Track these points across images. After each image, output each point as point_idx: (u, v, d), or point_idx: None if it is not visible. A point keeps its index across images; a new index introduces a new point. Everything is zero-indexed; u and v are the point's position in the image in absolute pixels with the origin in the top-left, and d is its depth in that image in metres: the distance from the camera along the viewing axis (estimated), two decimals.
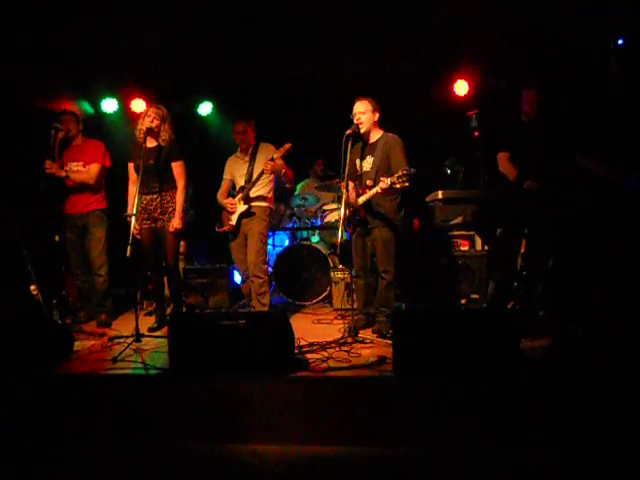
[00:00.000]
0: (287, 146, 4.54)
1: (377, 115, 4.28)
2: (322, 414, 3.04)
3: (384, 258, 4.23)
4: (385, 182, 3.87)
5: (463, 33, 5.23)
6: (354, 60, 5.94)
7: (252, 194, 4.73)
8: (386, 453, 2.90)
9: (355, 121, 4.21)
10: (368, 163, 4.28)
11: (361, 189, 4.26)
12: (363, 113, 4.22)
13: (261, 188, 4.76)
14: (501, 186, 4.30)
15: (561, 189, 3.94)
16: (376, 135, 4.31)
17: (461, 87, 6.13)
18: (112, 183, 5.05)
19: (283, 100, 6.60)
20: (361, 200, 4.18)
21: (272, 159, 4.54)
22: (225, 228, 4.85)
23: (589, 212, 3.86)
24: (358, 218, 4.29)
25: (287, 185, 5.24)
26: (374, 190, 4.03)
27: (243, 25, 5.25)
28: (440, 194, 4.02)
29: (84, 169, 4.84)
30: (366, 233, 4.33)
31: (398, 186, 3.81)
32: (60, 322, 4.44)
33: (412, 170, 3.79)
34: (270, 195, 4.85)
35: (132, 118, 5.92)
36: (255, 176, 4.72)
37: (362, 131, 4.23)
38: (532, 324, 3.91)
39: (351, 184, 4.42)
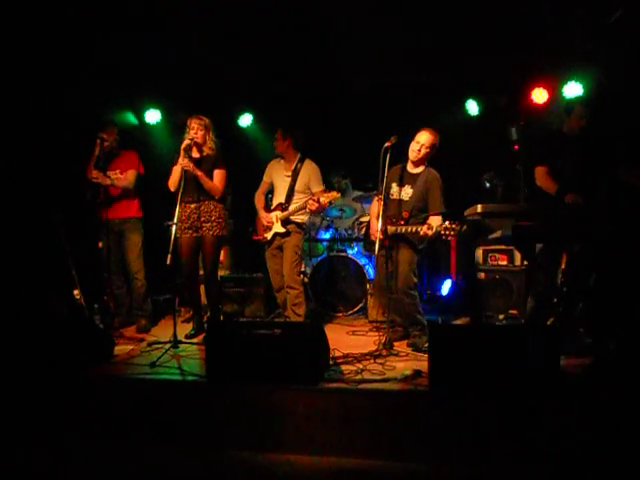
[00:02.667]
0: (336, 195, 4.51)
1: (433, 153, 4.25)
2: (356, 426, 3.03)
3: (405, 279, 4.20)
4: (431, 229, 3.90)
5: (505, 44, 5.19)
6: (391, 74, 5.96)
7: (292, 218, 4.75)
8: (419, 469, 2.87)
9: (412, 148, 4.21)
10: (407, 193, 4.28)
11: (396, 218, 4.26)
12: (426, 147, 4.18)
13: (299, 213, 4.78)
14: (541, 200, 4.24)
15: (603, 204, 3.86)
16: (419, 167, 4.30)
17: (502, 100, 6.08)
18: (152, 192, 5.16)
19: (320, 114, 6.65)
20: (394, 230, 4.19)
21: (318, 200, 4.51)
22: (259, 238, 4.90)
23: (632, 228, 3.76)
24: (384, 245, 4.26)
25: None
26: (412, 229, 4.07)
27: (284, 40, 5.32)
28: (479, 208, 3.99)
29: (122, 176, 4.96)
30: (388, 253, 4.26)
31: (443, 236, 3.85)
32: (101, 326, 4.56)
33: (465, 227, 3.82)
34: (306, 215, 4.87)
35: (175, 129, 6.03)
36: (296, 196, 4.75)
37: (411, 158, 4.24)
38: (572, 341, 3.82)
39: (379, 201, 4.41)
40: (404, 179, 4.32)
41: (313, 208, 4.57)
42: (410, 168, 4.33)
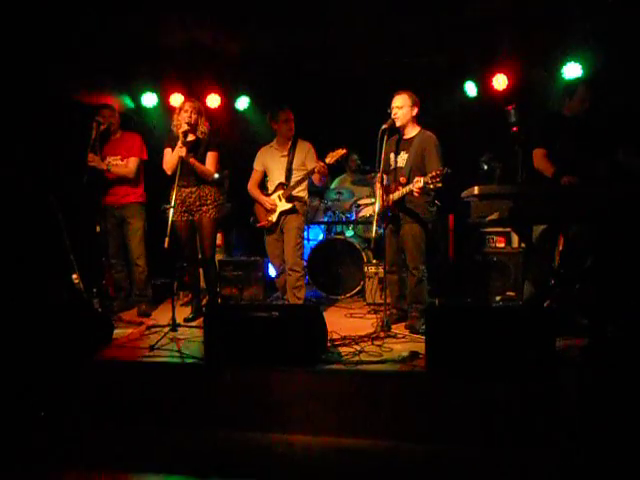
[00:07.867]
0: (342, 152, 4.47)
1: (416, 110, 4.23)
2: (353, 407, 3.06)
3: (414, 254, 4.20)
4: (419, 182, 3.85)
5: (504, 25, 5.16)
6: (390, 54, 5.91)
7: (295, 193, 4.75)
8: (415, 449, 2.91)
9: (392, 115, 4.19)
10: (402, 159, 4.26)
11: (394, 185, 4.23)
12: (400, 108, 4.18)
13: (302, 187, 4.79)
14: (539, 182, 4.23)
15: (602, 186, 3.85)
16: (412, 131, 4.27)
17: (500, 81, 6.03)
18: (150, 175, 5.13)
19: (317, 95, 6.60)
20: (395, 197, 4.17)
21: (324, 162, 4.50)
22: (263, 224, 4.88)
23: (630, 210, 3.76)
24: (390, 215, 4.27)
25: (320, 184, 5.22)
26: (407, 189, 4.01)
27: (279, 21, 5.27)
28: (476, 190, 3.94)
29: (122, 162, 4.94)
30: (397, 229, 4.31)
31: (431, 186, 3.78)
32: (100, 310, 4.58)
33: (446, 170, 3.73)
34: (306, 191, 4.88)
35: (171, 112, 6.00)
36: (295, 174, 4.74)
37: (397, 125, 4.20)
38: (568, 323, 3.84)
39: (385, 177, 4.41)
40: (400, 147, 4.32)
41: (322, 171, 4.52)
42: (404, 135, 4.31)
